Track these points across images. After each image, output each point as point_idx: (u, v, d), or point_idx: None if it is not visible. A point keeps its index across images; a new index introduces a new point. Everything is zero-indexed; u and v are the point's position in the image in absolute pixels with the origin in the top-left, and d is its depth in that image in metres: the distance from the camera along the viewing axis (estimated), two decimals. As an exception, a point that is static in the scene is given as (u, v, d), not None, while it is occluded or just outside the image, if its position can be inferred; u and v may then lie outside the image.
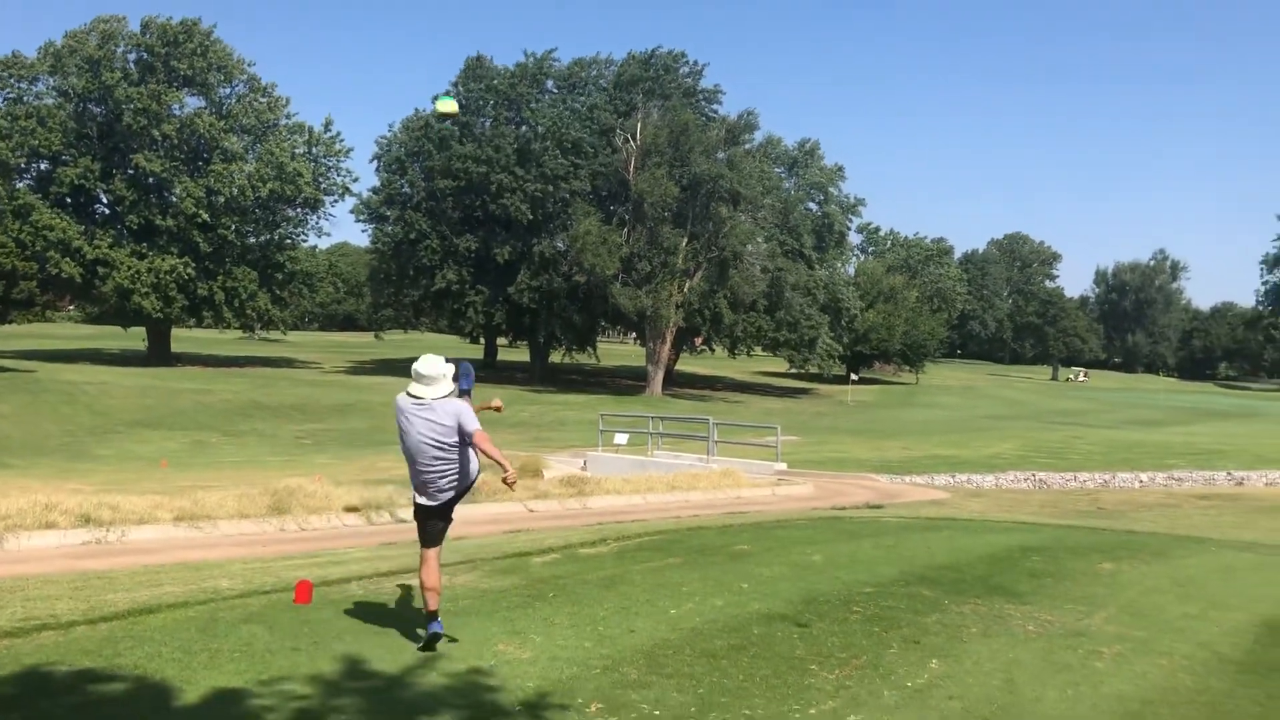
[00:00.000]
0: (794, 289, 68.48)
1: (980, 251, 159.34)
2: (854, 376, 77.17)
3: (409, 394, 6.54)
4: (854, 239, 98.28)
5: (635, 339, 78.52)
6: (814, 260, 74.34)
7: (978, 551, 11.47)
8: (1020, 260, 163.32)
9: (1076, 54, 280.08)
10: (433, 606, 6.50)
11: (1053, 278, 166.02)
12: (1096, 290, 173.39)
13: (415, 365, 6.53)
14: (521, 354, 77.34)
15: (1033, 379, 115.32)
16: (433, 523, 6.71)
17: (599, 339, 78.33)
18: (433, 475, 6.52)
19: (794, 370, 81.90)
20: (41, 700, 5.12)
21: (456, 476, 6.60)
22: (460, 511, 7.19)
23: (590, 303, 65.76)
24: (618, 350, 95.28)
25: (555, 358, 74.60)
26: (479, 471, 6.79)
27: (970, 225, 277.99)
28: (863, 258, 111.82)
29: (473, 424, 6.47)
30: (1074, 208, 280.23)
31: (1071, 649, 6.96)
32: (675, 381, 69.13)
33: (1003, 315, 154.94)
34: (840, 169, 78.36)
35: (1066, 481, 27.36)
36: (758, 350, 77.84)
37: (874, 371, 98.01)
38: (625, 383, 70.58)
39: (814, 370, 79.59)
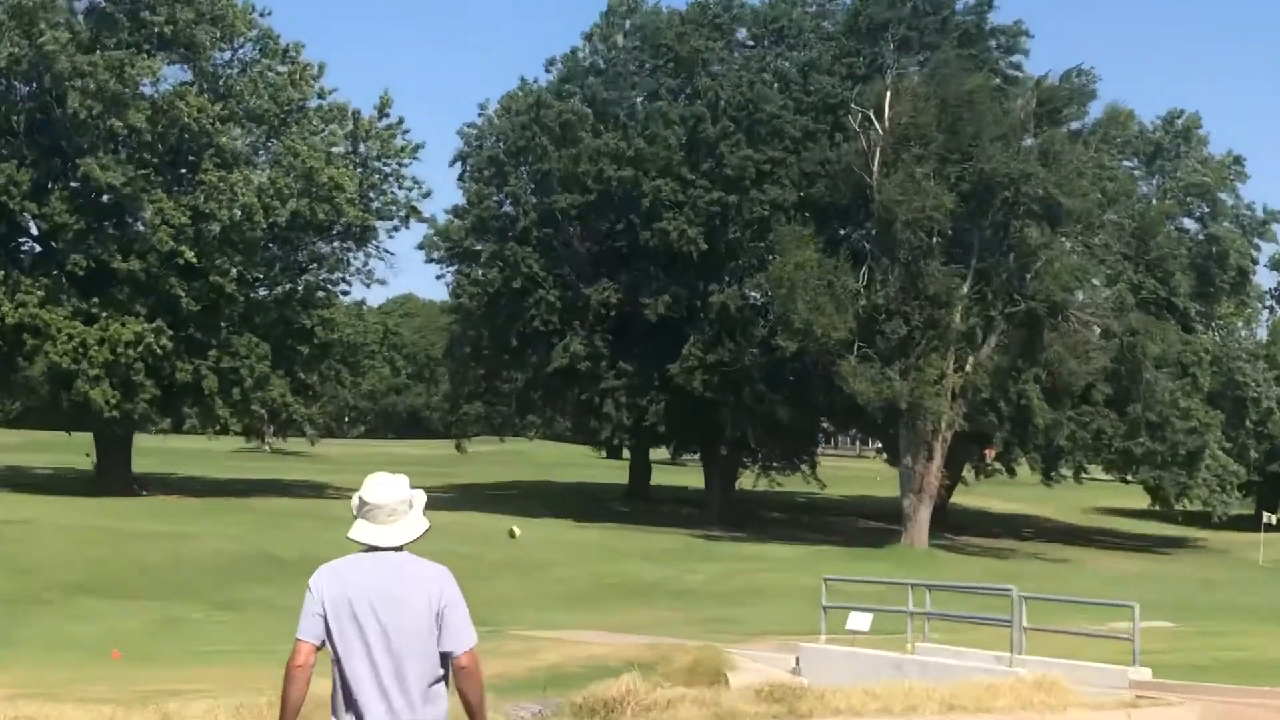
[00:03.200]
0: (1160, 366, 52.78)
1: None
2: (1270, 517, 57.12)
3: (353, 538, 4.29)
4: (1264, 280, 76.11)
5: (881, 451, 68.30)
6: (1195, 316, 58.60)
7: None
8: None
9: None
10: None
11: None
12: None
13: (361, 492, 4.30)
14: (690, 475, 63.87)
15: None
16: None
17: (819, 450, 64.46)
18: (381, 689, 4.07)
19: (1159, 507, 64.37)
20: None
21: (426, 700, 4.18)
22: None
23: (806, 390, 52.22)
24: (850, 469, 79.14)
25: (746, 481, 59.25)
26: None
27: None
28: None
29: (469, 634, 4.24)
30: None
31: None
32: (950, 524, 55.37)
33: None
34: (1239, 160, 59.88)
35: None
36: (1095, 470, 64.41)
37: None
38: (864, 525, 57.64)
39: (1196, 507, 61.69)
